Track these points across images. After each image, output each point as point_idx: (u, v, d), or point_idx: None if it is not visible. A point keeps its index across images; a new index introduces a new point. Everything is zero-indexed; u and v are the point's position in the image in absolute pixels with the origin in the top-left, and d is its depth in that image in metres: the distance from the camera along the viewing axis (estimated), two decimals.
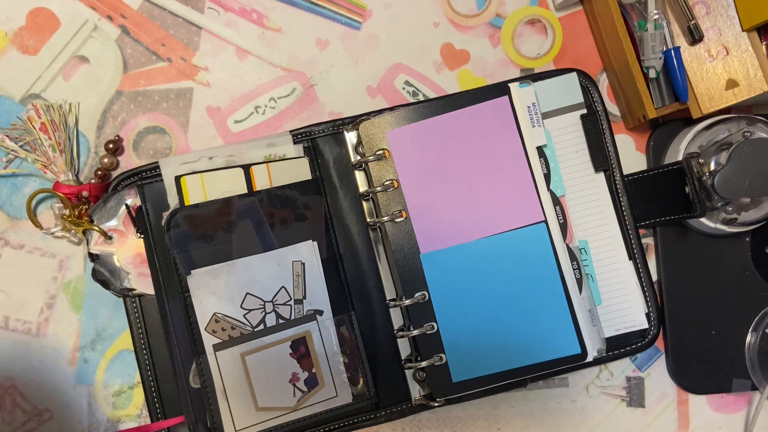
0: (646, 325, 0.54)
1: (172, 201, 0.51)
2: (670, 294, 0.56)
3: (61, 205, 0.53)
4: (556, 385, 0.57)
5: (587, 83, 0.55)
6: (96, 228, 0.52)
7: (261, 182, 0.52)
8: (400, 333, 0.52)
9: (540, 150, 0.53)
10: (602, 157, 0.55)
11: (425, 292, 0.51)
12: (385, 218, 0.52)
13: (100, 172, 0.55)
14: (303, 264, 0.52)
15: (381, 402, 0.53)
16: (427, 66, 0.58)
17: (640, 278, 0.55)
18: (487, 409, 0.57)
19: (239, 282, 0.51)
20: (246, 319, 0.50)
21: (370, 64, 0.58)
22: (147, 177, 0.52)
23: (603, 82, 0.58)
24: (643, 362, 0.57)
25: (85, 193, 0.53)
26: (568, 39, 0.59)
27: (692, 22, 0.53)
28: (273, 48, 0.57)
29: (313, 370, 0.51)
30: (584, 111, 0.55)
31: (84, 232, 0.53)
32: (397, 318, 0.53)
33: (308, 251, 0.52)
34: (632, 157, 0.58)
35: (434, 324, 0.51)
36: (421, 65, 0.58)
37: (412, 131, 0.52)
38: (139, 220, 0.52)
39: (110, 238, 0.53)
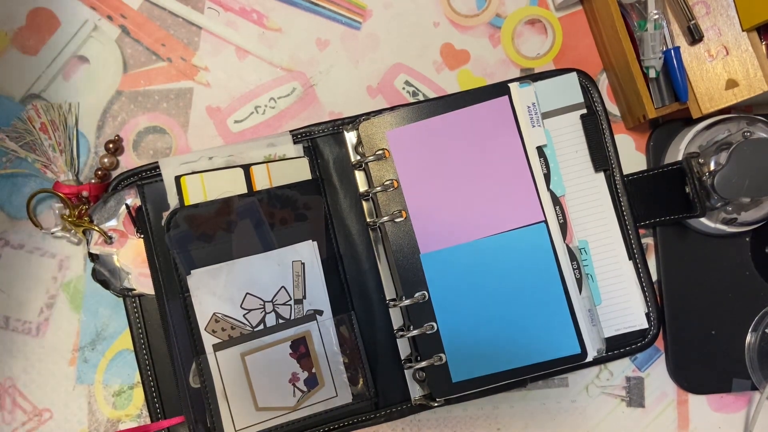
0: (645, 325, 0.54)
1: (172, 201, 0.51)
2: (670, 294, 0.56)
3: (61, 205, 0.53)
4: (555, 385, 0.57)
5: (587, 83, 0.55)
6: (96, 228, 0.52)
7: (261, 182, 0.52)
8: (400, 333, 0.52)
9: (540, 150, 0.53)
10: (602, 157, 0.55)
11: (425, 292, 0.51)
12: (385, 218, 0.52)
13: (100, 172, 0.55)
14: (303, 264, 0.52)
15: (381, 402, 0.53)
16: (427, 66, 0.58)
17: (640, 278, 0.55)
18: (487, 409, 0.57)
19: (239, 282, 0.51)
20: (246, 319, 0.50)
21: (370, 64, 0.58)
22: (147, 177, 0.52)
23: (603, 82, 0.58)
24: (643, 362, 0.57)
25: (85, 193, 0.53)
26: (568, 39, 0.58)
27: (692, 22, 0.53)
28: (273, 48, 0.57)
29: (313, 370, 0.51)
30: (584, 111, 0.55)
31: (84, 232, 0.53)
32: (397, 318, 0.53)
33: (308, 251, 0.52)
34: (632, 157, 0.58)
35: (434, 324, 0.51)
36: (421, 65, 0.58)
37: (412, 131, 0.52)
38: (139, 220, 0.52)
39: (110, 238, 0.53)
